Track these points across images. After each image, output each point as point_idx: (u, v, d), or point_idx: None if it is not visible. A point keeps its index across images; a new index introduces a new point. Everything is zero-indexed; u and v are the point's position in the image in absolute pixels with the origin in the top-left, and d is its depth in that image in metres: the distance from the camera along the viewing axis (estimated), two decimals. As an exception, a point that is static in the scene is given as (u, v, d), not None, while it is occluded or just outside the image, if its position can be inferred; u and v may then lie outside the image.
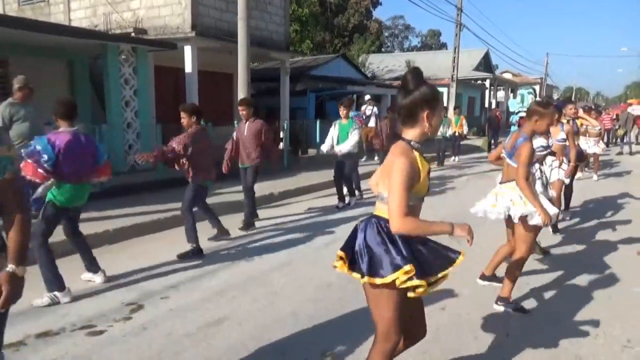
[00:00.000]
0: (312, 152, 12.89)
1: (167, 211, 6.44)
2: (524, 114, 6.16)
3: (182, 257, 4.91)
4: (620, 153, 16.75)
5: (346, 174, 7.59)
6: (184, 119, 5.12)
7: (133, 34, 10.85)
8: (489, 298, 3.99)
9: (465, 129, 14.46)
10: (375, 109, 12.35)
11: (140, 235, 5.76)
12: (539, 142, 4.72)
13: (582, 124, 7.48)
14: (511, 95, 31.79)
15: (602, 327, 3.47)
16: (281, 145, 11.38)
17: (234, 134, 6.35)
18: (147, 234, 5.83)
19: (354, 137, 7.31)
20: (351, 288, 4.16)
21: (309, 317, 3.56)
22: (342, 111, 7.43)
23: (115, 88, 9.00)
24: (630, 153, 16.44)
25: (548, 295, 4.09)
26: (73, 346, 3.12)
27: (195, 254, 4.96)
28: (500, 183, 3.89)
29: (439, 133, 12.63)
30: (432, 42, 55.28)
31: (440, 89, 26.65)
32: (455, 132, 13.87)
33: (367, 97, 13.08)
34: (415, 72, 2.11)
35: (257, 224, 6.30)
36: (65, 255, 4.85)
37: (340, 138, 7.40)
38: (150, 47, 9.76)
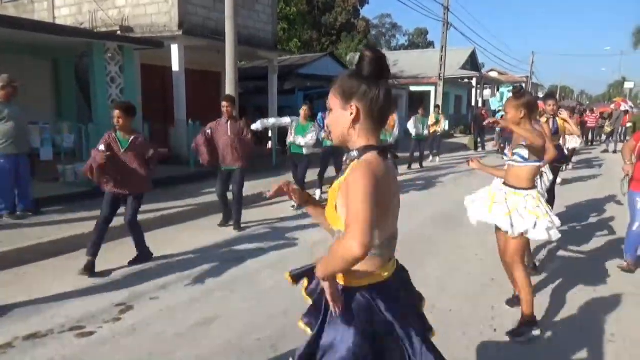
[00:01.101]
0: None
1: (155, 211, 6.39)
2: (504, 112, 5.90)
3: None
4: (606, 151, 16.95)
5: (298, 174, 7.46)
6: (121, 119, 4.42)
7: (119, 32, 10.75)
8: (478, 295, 4.05)
9: (442, 127, 13.65)
10: None
11: (128, 236, 5.71)
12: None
13: (563, 125, 7.14)
14: (497, 93, 32.08)
15: (586, 322, 3.54)
16: (269, 144, 11.37)
17: (208, 130, 5.96)
18: (135, 234, 5.78)
19: (310, 138, 7.17)
20: (341, 286, 4.19)
21: (299, 316, 3.57)
22: (304, 111, 7.30)
23: (102, 87, 8.91)
24: (615, 151, 16.53)
25: (535, 290, 4.15)
26: (62, 348, 3.09)
27: (89, 270, 4.38)
28: (504, 184, 3.52)
29: (412, 134, 12.36)
30: (419, 40, 55.54)
31: (428, 88, 26.65)
32: (435, 130, 13.31)
33: None
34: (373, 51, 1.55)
35: (244, 223, 6.29)
36: (57, 255, 4.82)
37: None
38: (136, 45, 9.68)
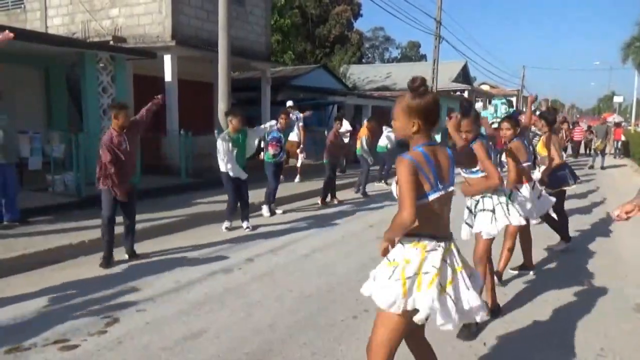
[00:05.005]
0: (292, 162, 12.87)
1: (145, 221, 6.33)
2: (496, 125, 5.57)
3: None
4: (592, 167, 15.95)
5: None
6: None
7: (112, 42, 10.74)
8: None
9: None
10: (301, 115, 10.37)
11: (117, 246, 5.65)
12: None
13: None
14: (491, 106, 32.31)
15: (576, 336, 3.52)
16: (261, 155, 11.28)
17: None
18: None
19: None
20: (330, 299, 4.16)
21: (287, 329, 3.54)
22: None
23: (93, 96, 8.87)
24: (602, 167, 15.84)
25: (524, 304, 4.14)
26: (44, 361, 3.03)
27: None
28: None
29: (382, 145, 11.81)
30: (412, 53, 56.03)
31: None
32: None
33: (289, 103, 11.22)
34: None
35: (235, 234, 6.25)
36: (43, 266, 4.75)
37: None
38: (129, 55, 9.67)
